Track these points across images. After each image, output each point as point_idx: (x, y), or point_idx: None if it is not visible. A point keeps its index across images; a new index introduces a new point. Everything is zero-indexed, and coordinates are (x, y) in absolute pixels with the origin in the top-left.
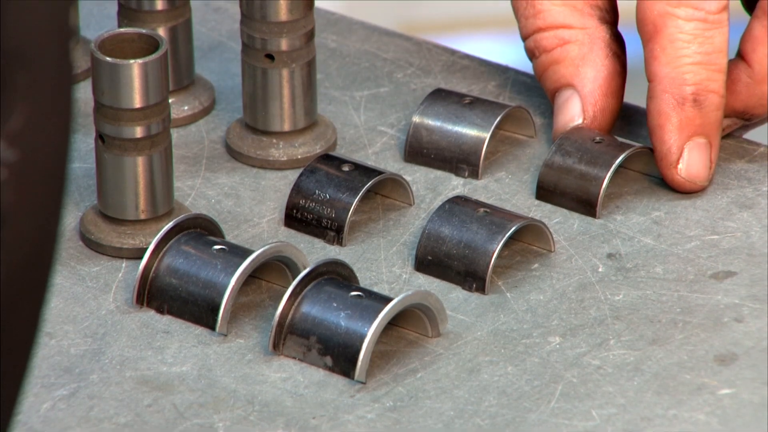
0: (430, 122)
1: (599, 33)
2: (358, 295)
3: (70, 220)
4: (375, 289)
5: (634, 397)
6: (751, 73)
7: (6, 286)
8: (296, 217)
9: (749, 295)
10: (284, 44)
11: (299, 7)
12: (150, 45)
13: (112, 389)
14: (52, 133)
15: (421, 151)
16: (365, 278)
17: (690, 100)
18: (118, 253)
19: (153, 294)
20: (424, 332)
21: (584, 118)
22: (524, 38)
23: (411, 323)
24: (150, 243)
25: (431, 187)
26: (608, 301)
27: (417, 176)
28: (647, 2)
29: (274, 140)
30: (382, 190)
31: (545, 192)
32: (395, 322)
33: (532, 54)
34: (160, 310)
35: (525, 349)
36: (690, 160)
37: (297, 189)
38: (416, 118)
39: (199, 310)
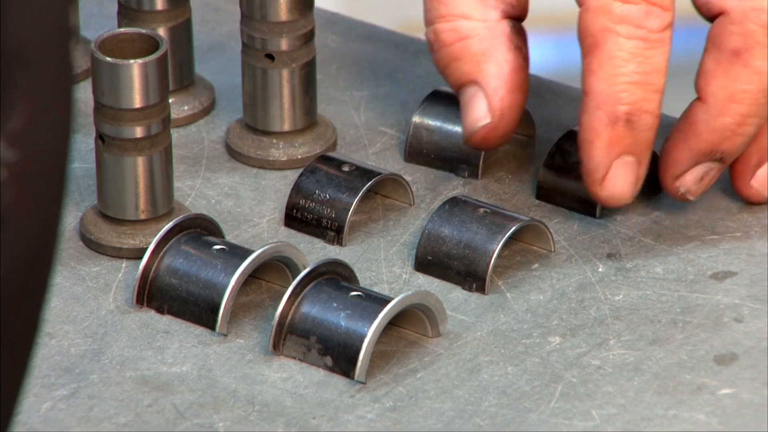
0: (430, 122)
1: (500, 27)
2: (358, 296)
3: (70, 220)
4: (375, 289)
5: (634, 397)
6: (707, 109)
7: (6, 286)
8: (296, 217)
9: (749, 295)
10: (284, 44)
11: (299, 7)
12: (150, 45)
13: (112, 389)
14: (52, 133)
15: (421, 151)
16: (365, 278)
17: (623, 120)
18: (118, 253)
19: (153, 294)
20: (424, 332)
21: (492, 117)
22: (426, 24)
23: (411, 323)
24: (150, 243)
25: (431, 187)
26: (608, 301)
27: (417, 176)
28: (590, 15)
29: (274, 140)
30: (382, 190)
31: (545, 192)
32: (395, 322)
33: (431, 46)
34: (160, 310)
35: (525, 349)
36: (615, 178)
37: (297, 189)
38: (416, 118)
39: (199, 310)
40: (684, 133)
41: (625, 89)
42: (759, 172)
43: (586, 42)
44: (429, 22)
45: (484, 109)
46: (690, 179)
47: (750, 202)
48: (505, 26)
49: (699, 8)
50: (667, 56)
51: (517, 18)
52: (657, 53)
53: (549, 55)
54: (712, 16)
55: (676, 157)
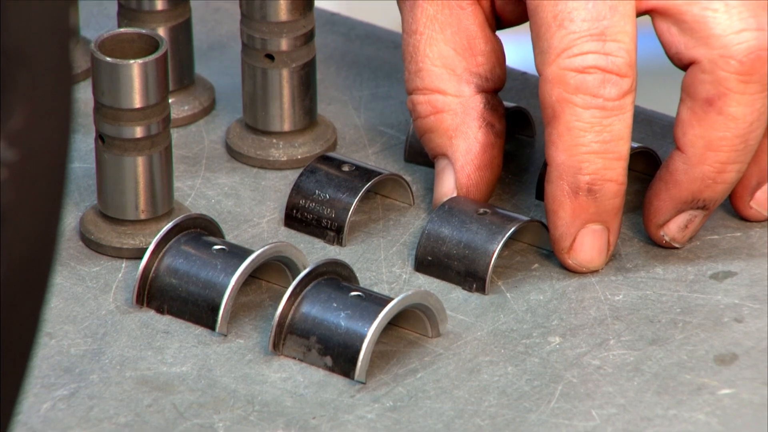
0: None
1: (473, 103)
2: (358, 296)
3: (70, 220)
4: (375, 289)
5: (634, 397)
6: (685, 158)
7: (6, 286)
8: (296, 217)
9: (749, 295)
10: (284, 44)
11: (299, 7)
12: (150, 45)
13: (112, 389)
14: (52, 133)
15: (421, 151)
16: (365, 278)
17: (585, 189)
18: (118, 253)
19: (153, 294)
20: (424, 332)
21: (458, 193)
22: (407, 92)
23: (411, 323)
24: (150, 243)
25: (431, 187)
26: (608, 301)
27: (417, 176)
28: (547, 86)
29: (274, 140)
30: (382, 190)
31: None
32: (395, 322)
33: (411, 114)
34: (160, 310)
35: (525, 349)
36: (582, 246)
37: (297, 189)
38: None
39: (199, 310)
40: (665, 183)
41: (585, 159)
42: (758, 193)
43: (546, 113)
44: (408, 91)
45: (452, 184)
46: (674, 228)
47: (749, 221)
48: (478, 102)
49: (671, 59)
50: (628, 123)
51: (492, 91)
52: (616, 121)
53: None
54: (683, 66)
55: (658, 207)
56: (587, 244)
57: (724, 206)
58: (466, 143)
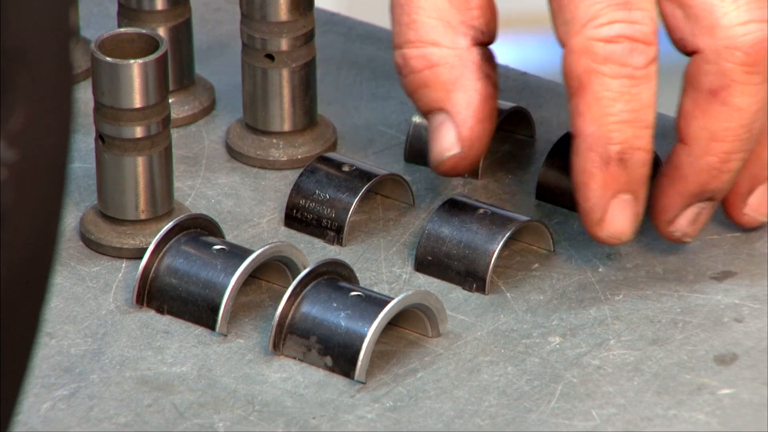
0: None
1: (470, 55)
2: (358, 296)
3: (70, 220)
4: (375, 289)
5: (634, 397)
6: (690, 150)
7: (6, 286)
8: (296, 217)
9: (749, 295)
10: (284, 44)
11: (299, 7)
12: (150, 45)
13: (112, 389)
14: (52, 133)
15: (421, 151)
16: (365, 278)
17: (615, 159)
18: (118, 253)
19: (153, 294)
20: (424, 332)
21: (461, 147)
22: (395, 47)
23: (411, 323)
24: (150, 243)
25: (431, 187)
26: (608, 301)
27: (417, 176)
28: (573, 57)
29: (274, 140)
30: (382, 190)
31: (545, 192)
32: (395, 322)
33: (400, 71)
34: (160, 310)
35: (525, 349)
36: (614, 218)
37: (297, 189)
38: (416, 118)
39: (199, 310)
40: (670, 178)
41: (615, 129)
42: (750, 199)
43: (572, 84)
44: (397, 46)
45: (453, 138)
46: (684, 222)
47: (745, 229)
48: (474, 54)
49: (675, 44)
50: (654, 91)
51: (486, 43)
52: (644, 89)
53: (548, 55)
54: (687, 53)
55: (666, 203)
56: (619, 215)
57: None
58: (466, 96)
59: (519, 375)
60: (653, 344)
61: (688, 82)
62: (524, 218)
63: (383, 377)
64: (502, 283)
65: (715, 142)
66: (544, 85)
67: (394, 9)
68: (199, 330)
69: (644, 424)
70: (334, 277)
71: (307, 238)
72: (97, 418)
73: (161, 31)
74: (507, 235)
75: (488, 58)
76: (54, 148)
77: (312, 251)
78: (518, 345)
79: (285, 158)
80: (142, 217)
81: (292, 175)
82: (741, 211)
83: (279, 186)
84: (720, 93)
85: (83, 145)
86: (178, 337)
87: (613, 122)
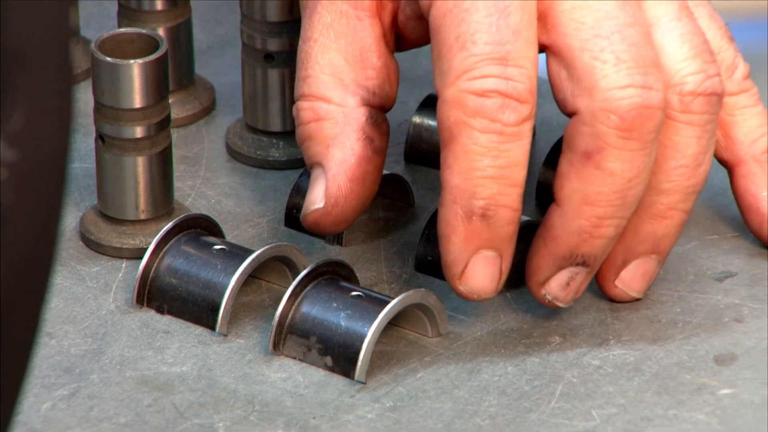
0: (430, 122)
1: (356, 114)
2: (358, 296)
3: (70, 220)
4: (375, 289)
5: (634, 397)
6: (562, 212)
7: (6, 286)
8: (296, 217)
9: (749, 295)
10: (284, 44)
11: (299, 7)
12: (150, 45)
13: (112, 389)
14: (52, 133)
15: (421, 151)
16: (365, 278)
17: (479, 214)
18: (118, 253)
19: (153, 294)
20: (424, 332)
21: (325, 203)
22: (294, 99)
23: (411, 323)
24: (150, 243)
25: (431, 187)
26: (608, 301)
27: (417, 176)
28: (446, 107)
29: (274, 140)
30: (382, 190)
31: (545, 192)
32: (395, 322)
33: (295, 120)
34: (160, 310)
35: (525, 349)
36: (474, 273)
37: (297, 189)
38: (416, 118)
39: (199, 310)
40: (543, 239)
41: (480, 184)
42: (623, 272)
43: (443, 135)
44: (295, 97)
45: (321, 193)
46: (555, 285)
47: (616, 302)
48: (360, 114)
49: (558, 104)
50: (526, 149)
51: (378, 107)
52: (514, 147)
53: None
54: (568, 114)
55: (537, 264)
56: (480, 271)
57: (724, 206)
58: (341, 153)
59: (519, 375)
60: (653, 344)
61: (566, 144)
62: (524, 218)
63: (383, 377)
64: None
65: (587, 205)
66: (543, 85)
67: (297, 63)
68: (199, 330)
69: (644, 424)
70: (334, 277)
71: (307, 238)
72: (97, 418)
73: (161, 31)
74: None
75: (375, 122)
76: (54, 148)
77: (312, 251)
78: (518, 345)
79: (285, 158)
80: (142, 217)
81: (292, 175)
82: (613, 283)
83: (279, 186)
84: (594, 156)
85: (83, 145)
86: (178, 337)
87: (479, 177)
